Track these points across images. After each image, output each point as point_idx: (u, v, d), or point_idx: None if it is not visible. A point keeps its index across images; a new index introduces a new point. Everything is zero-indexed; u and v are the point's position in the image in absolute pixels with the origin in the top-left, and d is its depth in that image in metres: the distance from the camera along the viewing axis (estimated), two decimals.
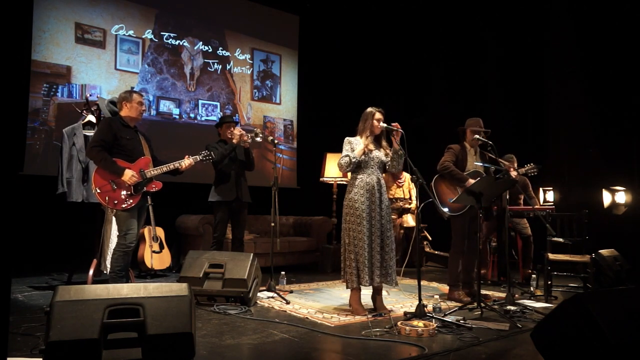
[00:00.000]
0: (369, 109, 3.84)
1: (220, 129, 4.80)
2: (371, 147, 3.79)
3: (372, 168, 3.77)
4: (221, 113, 7.07)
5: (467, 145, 4.40)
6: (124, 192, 3.60)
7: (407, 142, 3.66)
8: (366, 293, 3.87)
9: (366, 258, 3.59)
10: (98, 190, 3.57)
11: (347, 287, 3.71)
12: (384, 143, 3.88)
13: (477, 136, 4.28)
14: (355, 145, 3.78)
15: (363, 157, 3.73)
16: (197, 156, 3.98)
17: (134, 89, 3.99)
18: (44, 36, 5.71)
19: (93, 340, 2.01)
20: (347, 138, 3.85)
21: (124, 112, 3.79)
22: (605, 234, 5.50)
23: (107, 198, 3.57)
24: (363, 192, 3.69)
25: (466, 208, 4.16)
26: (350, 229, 3.67)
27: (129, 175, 3.58)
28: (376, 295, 3.76)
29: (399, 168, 3.89)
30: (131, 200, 3.61)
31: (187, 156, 3.90)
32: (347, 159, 3.72)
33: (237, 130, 4.59)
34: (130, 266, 4.51)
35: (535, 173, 4.62)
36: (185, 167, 3.88)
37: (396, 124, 3.73)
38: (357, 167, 3.76)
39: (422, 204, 4.08)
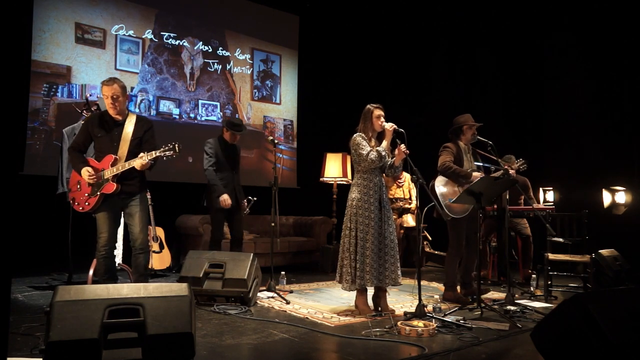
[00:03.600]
0: (368, 107, 3.81)
1: (225, 129, 4.79)
2: (376, 146, 3.77)
3: (378, 168, 3.76)
4: (221, 113, 7.07)
5: (462, 144, 4.34)
6: (84, 194, 3.47)
7: (407, 142, 3.66)
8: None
9: (374, 259, 3.58)
10: (69, 190, 3.56)
11: (349, 289, 3.67)
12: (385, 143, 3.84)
13: (478, 137, 4.26)
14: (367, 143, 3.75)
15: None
16: (154, 152, 3.38)
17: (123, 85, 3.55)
18: (44, 36, 5.71)
19: (93, 340, 2.01)
20: (360, 134, 3.77)
21: None
22: (605, 234, 5.50)
23: (71, 199, 3.52)
24: (372, 193, 3.68)
25: (469, 210, 4.12)
26: (358, 229, 3.64)
27: (85, 174, 3.40)
28: (381, 295, 3.75)
29: (392, 176, 3.92)
30: (87, 203, 3.44)
31: (142, 153, 3.38)
32: (376, 153, 3.62)
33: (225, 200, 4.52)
34: (130, 266, 4.51)
35: (525, 168, 4.65)
36: (141, 167, 3.38)
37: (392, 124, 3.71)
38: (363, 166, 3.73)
39: (426, 208, 4.07)
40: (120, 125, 3.52)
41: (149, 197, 4.90)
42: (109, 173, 3.42)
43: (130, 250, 3.57)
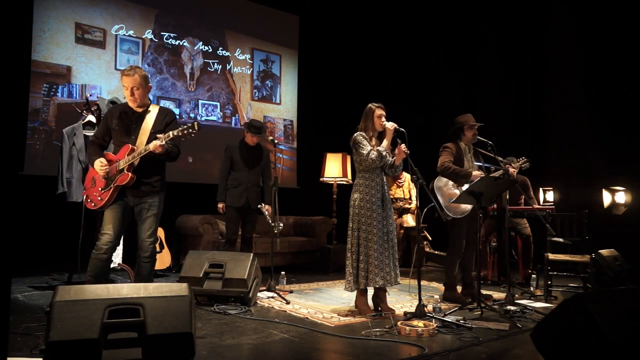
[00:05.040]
0: (369, 106, 3.81)
1: (246, 132, 4.87)
2: (376, 145, 3.77)
3: (379, 168, 3.76)
4: (221, 113, 7.07)
5: (462, 144, 4.32)
6: (97, 189, 3.21)
7: (408, 142, 3.66)
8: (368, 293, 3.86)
9: (377, 259, 3.58)
10: (84, 189, 3.33)
11: (351, 290, 3.67)
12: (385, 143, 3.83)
13: (478, 137, 4.25)
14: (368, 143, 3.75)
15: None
16: (172, 132, 3.08)
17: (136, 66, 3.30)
18: (44, 36, 5.71)
19: (93, 340, 2.01)
20: (361, 133, 3.76)
21: None
22: (605, 234, 5.49)
23: (85, 196, 3.29)
24: (374, 193, 3.68)
25: (469, 210, 4.11)
26: (361, 229, 3.64)
27: (97, 164, 3.15)
28: (381, 295, 3.75)
29: (392, 175, 3.93)
30: (100, 198, 3.17)
31: (159, 135, 3.14)
32: (376, 152, 3.62)
33: None
34: (130, 266, 4.50)
35: (528, 166, 4.65)
36: (155, 148, 3.06)
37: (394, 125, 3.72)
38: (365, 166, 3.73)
39: (426, 209, 4.07)
40: (140, 117, 3.27)
41: None
42: (124, 163, 3.14)
43: (132, 251, 3.41)
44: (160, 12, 6.64)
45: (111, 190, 3.15)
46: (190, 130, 3.05)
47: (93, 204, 3.21)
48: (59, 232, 5.37)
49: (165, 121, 3.32)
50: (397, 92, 8.06)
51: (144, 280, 3.23)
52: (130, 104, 3.25)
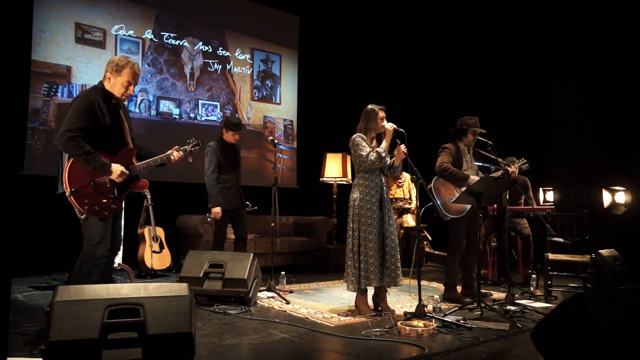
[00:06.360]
0: (371, 107, 3.79)
1: (225, 130, 4.82)
2: (376, 146, 3.77)
3: (378, 169, 3.76)
4: (221, 113, 7.07)
5: (462, 145, 4.31)
6: (107, 195, 2.83)
7: (407, 142, 3.66)
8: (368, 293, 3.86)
9: (377, 259, 3.59)
10: (73, 191, 2.73)
11: (353, 290, 3.66)
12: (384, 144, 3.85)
13: (478, 137, 4.25)
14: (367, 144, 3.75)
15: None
16: (186, 147, 3.30)
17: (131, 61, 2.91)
18: (44, 36, 5.71)
19: (93, 340, 2.01)
20: (360, 134, 3.76)
21: (107, 84, 2.87)
22: (605, 234, 5.50)
23: (86, 202, 2.75)
24: (374, 193, 3.68)
25: (467, 210, 4.12)
26: (361, 229, 3.64)
27: (118, 171, 2.81)
28: (382, 295, 3.75)
29: (391, 176, 3.93)
30: (115, 206, 2.87)
31: (176, 147, 3.18)
32: (375, 154, 3.62)
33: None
34: (130, 266, 4.51)
35: (527, 167, 4.65)
36: (175, 160, 3.16)
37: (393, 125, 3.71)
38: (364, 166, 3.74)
39: (424, 208, 4.07)
40: (118, 109, 2.95)
41: (149, 197, 4.93)
42: (138, 169, 2.96)
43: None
44: (160, 12, 6.64)
45: (124, 198, 2.93)
46: (199, 148, 3.42)
47: (106, 213, 2.83)
48: (59, 232, 5.37)
49: (129, 114, 3.17)
50: (397, 92, 8.06)
51: (109, 274, 3.08)
52: (119, 99, 2.91)
